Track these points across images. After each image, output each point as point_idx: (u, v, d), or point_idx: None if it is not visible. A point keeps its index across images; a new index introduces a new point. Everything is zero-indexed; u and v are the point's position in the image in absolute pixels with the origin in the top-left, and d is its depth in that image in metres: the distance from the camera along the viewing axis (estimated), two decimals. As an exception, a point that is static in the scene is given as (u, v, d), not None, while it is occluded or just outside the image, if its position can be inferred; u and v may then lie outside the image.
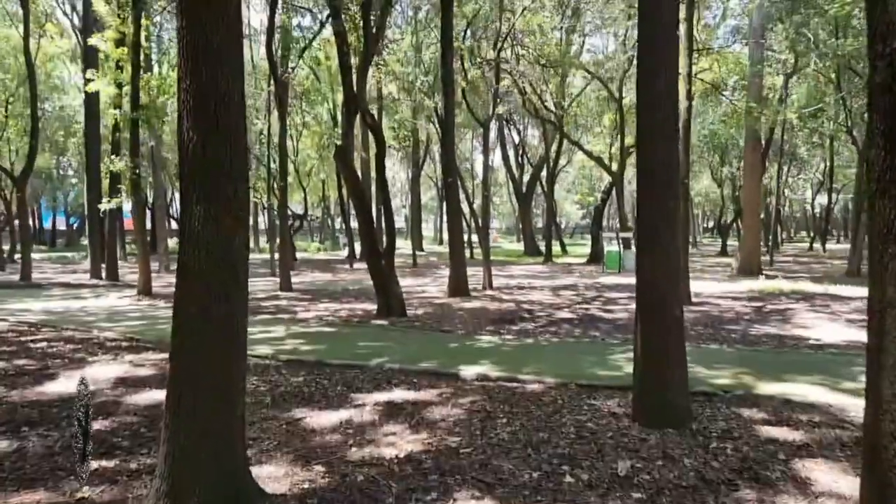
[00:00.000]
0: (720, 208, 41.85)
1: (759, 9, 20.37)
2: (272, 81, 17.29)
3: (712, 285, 17.63)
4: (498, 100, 19.76)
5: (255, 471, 3.89)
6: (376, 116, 15.01)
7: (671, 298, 4.75)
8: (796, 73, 22.27)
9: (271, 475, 3.95)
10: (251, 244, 41.76)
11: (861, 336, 9.77)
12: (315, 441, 4.60)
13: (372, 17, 10.62)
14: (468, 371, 6.97)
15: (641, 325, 4.84)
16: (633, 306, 13.78)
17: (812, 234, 49.61)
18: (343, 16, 11.07)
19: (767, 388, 6.13)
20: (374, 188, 28.67)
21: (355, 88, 10.61)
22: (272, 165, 20.81)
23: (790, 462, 4.10)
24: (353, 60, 11.86)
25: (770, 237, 31.88)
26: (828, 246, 43.04)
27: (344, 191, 27.91)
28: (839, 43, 18.53)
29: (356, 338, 9.64)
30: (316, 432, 4.80)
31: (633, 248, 26.08)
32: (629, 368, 7.29)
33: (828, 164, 38.46)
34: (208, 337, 3.31)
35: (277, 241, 19.85)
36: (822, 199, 46.26)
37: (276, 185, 18.81)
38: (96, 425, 4.99)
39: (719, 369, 7.01)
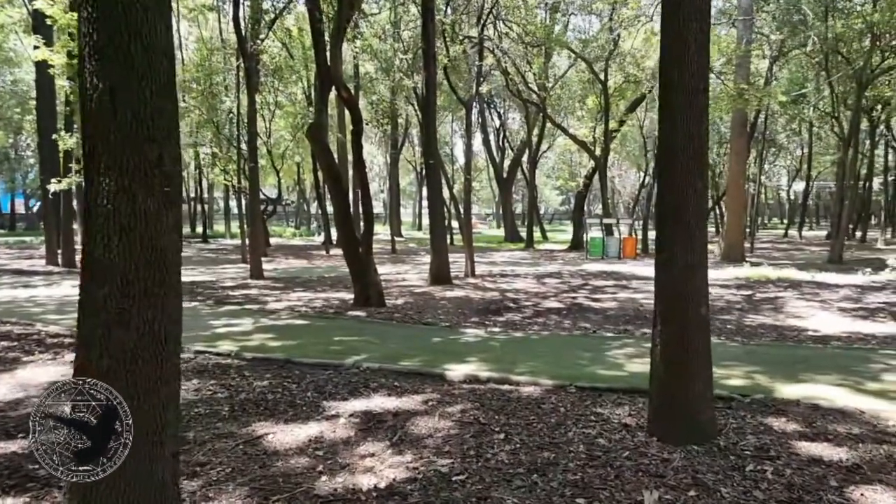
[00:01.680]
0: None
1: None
2: (241, 56, 16.18)
3: (699, 273, 17.18)
4: (481, 78, 18.91)
5: (198, 513, 3.12)
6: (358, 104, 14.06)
7: (697, 294, 4.05)
8: (783, 56, 21.82)
9: (218, 517, 3.18)
10: (221, 229, 40.48)
11: (859, 327, 9.42)
12: (277, 467, 3.82)
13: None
14: (455, 371, 6.26)
15: (662, 326, 4.14)
16: (622, 295, 13.37)
17: (786, 221, 49.83)
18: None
19: (787, 390, 5.52)
20: (350, 171, 27.67)
21: (329, 59, 9.71)
22: (242, 146, 19.73)
23: (845, 490, 3.45)
24: (327, 29, 10.95)
25: (749, 224, 31.67)
26: (803, 232, 43.25)
27: (320, 174, 26.85)
28: (829, 25, 18.07)
29: (331, 331, 8.87)
30: (279, 454, 4.02)
31: (616, 235, 25.66)
32: (631, 367, 6.68)
33: (805, 151, 38.52)
34: (126, 352, 2.50)
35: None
36: (797, 186, 46.48)
37: (245, 167, 17.76)
38: (11, 446, 4.16)
39: (727, 367, 6.40)
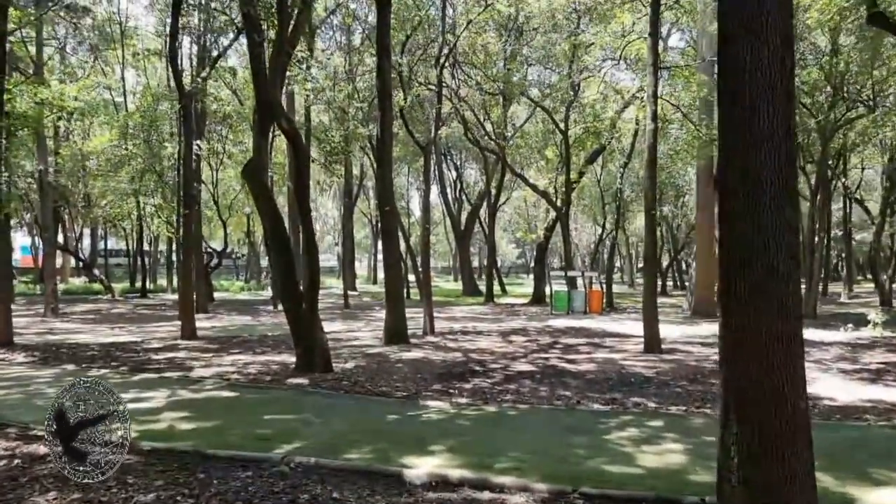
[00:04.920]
0: (660, 248, 41.48)
1: (703, 34, 19.62)
2: (179, 94, 14.70)
3: (671, 329, 16.04)
4: (440, 123, 17.91)
5: None
6: (304, 143, 12.64)
7: (795, 379, 2.66)
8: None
9: None
10: (164, 283, 37.80)
11: (873, 393, 8.26)
12: None
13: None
14: (417, 469, 4.70)
15: (740, 427, 2.72)
16: (599, 355, 11.86)
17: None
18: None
19: (871, 499, 4.13)
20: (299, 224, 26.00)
21: (268, 84, 8.34)
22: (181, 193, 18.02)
23: None
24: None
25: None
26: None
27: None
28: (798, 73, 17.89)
29: (262, 407, 7.17)
30: None
31: (581, 288, 24.56)
32: (644, 459, 5.14)
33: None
34: None
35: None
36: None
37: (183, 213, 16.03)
38: None
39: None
